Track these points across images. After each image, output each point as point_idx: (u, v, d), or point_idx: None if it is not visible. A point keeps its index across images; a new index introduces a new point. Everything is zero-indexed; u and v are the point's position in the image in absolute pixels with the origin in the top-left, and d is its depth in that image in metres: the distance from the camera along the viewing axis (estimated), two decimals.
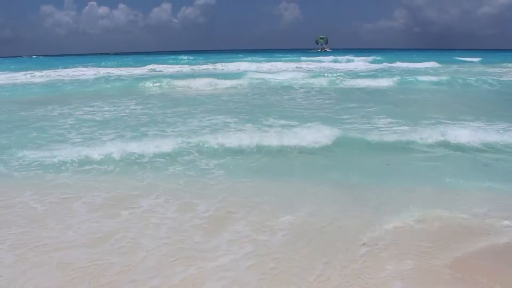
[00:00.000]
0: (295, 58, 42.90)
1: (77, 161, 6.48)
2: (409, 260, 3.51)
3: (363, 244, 3.77)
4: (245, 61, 35.27)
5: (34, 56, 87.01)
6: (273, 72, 24.45)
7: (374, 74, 22.62)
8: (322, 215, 4.44)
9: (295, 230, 4.11)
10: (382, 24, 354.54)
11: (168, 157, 6.70)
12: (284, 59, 40.36)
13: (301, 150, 7.13)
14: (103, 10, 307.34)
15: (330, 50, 76.19)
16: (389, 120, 9.55)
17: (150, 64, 32.28)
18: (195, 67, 31.16)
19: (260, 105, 12.66)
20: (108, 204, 4.86)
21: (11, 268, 3.49)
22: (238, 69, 27.55)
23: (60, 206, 4.81)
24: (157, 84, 18.44)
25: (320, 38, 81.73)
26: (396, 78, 19.30)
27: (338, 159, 6.77)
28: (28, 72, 25.43)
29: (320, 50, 77.27)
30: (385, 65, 31.20)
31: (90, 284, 3.26)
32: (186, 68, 30.39)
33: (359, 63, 34.18)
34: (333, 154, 6.98)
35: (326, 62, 37.38)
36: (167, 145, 7.09)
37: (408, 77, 19.70)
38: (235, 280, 3.29)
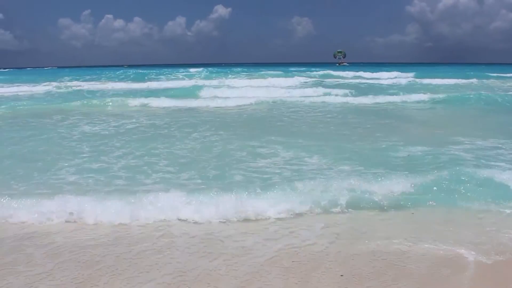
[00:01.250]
0: (316, 72, 40.60)
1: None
2: None
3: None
4: (261, 76, 33.05)
5: (48, 68, 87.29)
6: (297, 88, 22.43)
7: (410, 91, 20.21)
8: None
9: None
10: (394, 39, 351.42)
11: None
12: (302, 72, 38.16)
13: None
14: (119, 23, 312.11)
15: (347, 64, 73.77)
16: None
17: (163, 76, 30.66)
18: (212, 82, 28.80)
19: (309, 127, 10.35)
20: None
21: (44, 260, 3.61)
22: (258, 85, 25.24)
23: None
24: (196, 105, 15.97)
25: (338, 52, 79.23)
26: (443, 95, 17.40)
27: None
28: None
29: (338, 64, 74.81)
30: (420, 81, 28.22)
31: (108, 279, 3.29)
32: (199, 82, 28.25)
33: (400, 79, 31.23)
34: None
35: (353, 77, 35.06)
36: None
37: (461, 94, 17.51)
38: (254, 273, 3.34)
